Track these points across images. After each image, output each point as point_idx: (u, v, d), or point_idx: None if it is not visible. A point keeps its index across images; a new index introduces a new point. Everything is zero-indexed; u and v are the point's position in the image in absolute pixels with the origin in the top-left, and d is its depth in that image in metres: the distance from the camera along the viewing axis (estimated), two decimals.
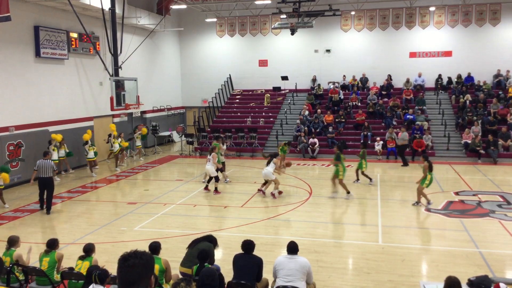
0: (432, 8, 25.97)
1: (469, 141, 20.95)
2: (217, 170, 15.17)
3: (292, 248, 6.72)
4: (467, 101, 23.77)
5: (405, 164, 19.71)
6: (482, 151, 20.41)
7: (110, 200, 14.69)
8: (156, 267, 6.59)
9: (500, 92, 24.23)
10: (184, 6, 25.34)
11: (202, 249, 6.73)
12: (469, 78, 25.64)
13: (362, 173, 16.04)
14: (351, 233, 11.06)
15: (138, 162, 21.86)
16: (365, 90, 26.72)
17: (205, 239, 7.37)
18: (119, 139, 20.45)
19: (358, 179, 16.31)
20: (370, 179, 16.00)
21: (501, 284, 6.32)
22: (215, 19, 28.44)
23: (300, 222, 11.87)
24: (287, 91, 28.06)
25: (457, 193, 14.58)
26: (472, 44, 25.88)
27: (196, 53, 30.25)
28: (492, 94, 24.26)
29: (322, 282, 7.88)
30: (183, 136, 25.29)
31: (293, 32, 21.00)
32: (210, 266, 6.47)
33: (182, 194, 14.99)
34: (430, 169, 12.79)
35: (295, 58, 28.47)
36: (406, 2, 25.28)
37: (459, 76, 25.83)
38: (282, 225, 11.67)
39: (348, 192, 14.12)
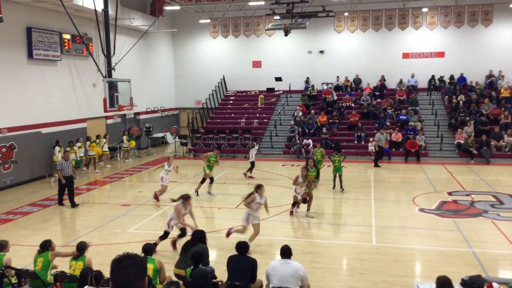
0: (424, 9, 26.11)
1: (462, 141, 21.07)
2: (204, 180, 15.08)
3: (286, 252, 6.65)
4: (460, 102, 23.90)
5: (376, 165, 19.63)
6: (475, 151, 20.53)
7: (104, 202, 14.63)
8: (150, 266, 6.57)
9: (493, 93, 24.39)
10: (177, 7, 25.31)
11: (196, 250, 6.72)
12: (462, 78, 25.79)
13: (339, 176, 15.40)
14: (345, 234, 11.08)
15: (127, 164, 21.68)
16: (359, 91, 26.80)
17: (197, 240, 7.34)
18: (103, 140, 20.48)
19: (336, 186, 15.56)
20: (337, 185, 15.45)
21: (494, 284, 6.36)
22: (208, 20, 28.43)
23: (293, 223, 11.87)
24: (281, 92, 28.09)
25: (450, 193, 14.65)
26: (465, 45, 26.04)
27: (190, 54, 30.22)
28: (484, 94, 24.41)
29: (316, 283, 7.89)
30: (177, 137, 25.25)
31: (286, 33, 21.02)
32: (204, 267, 6.46)
33: (175, 196, 14.90)
34: None
35: (288, 59, 28.52)
36: (399, 3, 25.39)
37: (451, 77, 25.98)
38: (276, 226, 11.67)
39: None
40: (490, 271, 8.44)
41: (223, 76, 29.41)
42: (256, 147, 18.33)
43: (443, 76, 26.19)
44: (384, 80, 26.74)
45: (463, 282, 6.39)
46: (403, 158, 20.88)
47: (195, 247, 7.05)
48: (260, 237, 10.62)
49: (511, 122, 21.84)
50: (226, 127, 25.22)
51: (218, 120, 26.79)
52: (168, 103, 29.63)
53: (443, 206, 13.19)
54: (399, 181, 17.32)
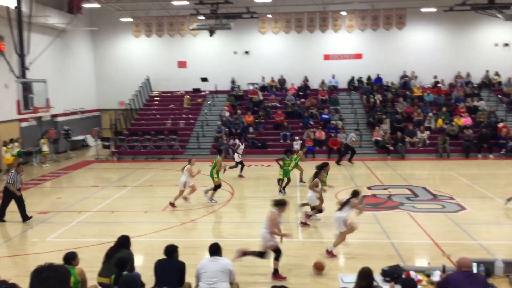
0: (343, 13, 27.22)
1: (380, 138, 22.24)
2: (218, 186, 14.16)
3: (215, 250, 6.73)
4: (377, 101, 25.22)
5: (338, 163, 20.25)
6: (391, 148, 21.76)
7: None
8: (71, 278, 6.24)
9: (407, 92, 25.99)
10: (97, 5, 24.33)
11: (120, 256, 6.49)
12: (378, 79, 27.22)
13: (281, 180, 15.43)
14: None
15: (44, 169, 20.46)
16: (283, 91, 27.38)
17: (121, 246, 7.10)
18: (15, 144, 19.25)
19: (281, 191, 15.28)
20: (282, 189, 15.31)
21: (411, 272, 6.75)
22: (130, 19, 27.61)
23: (222, 223, 11.88)
24: (207, 92, 27.98)
25: (369, 188, 15.40)
26: (381, 47, 27.50)
27: (112, 54, 29.18)
28: (399, 94, 25.94)
29: (245, 282, 7.95)
30: (99, 140, 24.27)
31: (211, 33, 21.02)
32: (129, 273, 6.25)
33: (98, 201, 14.37)
34: None
35: (214, 59, 28.47)
36: (320, 7, 26.26)
37: (369, 78, 27.33)
38: (204, 228, 11.61)
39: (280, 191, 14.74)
40: (408, 260, 8.97)
41: (148, 77, 28.73)
42: (242, 146, 18.38)
43: (362, 77, 27.49)
44: (307, 80, 27.55)
45: (383, 272, 6.73)
46: (326, 156, 21.60)
47: (119, 253, 6.81)
48: (188, 239, 10.51)
49: (423, 119, 23.40)
50: (152, 128, 24.65)
51: (143, 122, 26.13)
52: (89, 104, 28.39)
53: (363, 200, 13.81)
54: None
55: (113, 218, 12.47)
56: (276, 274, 8.29)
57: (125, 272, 6.19)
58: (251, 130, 23.37)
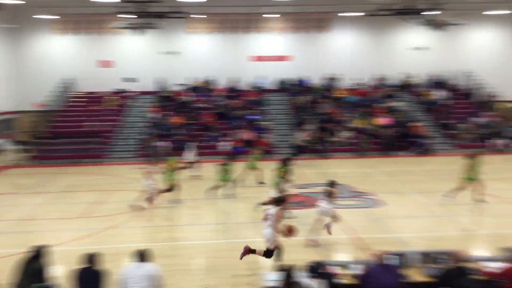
0: (272, 15, 27.64)
1: (307, 139, 22.85)
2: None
3: (140, 255, 6.57)
4: (304, 102, 25.90)
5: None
6: (317, 147, 22.44)
7: None
8: None
9: (331, 93, 26.92)
10: (19, 2, 22.71)
11: (34, 268, 6.14)
12: (305, 80, 27.96)
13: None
14: (200, 234, 11.19)
15: None
16: (212, 92, 27.30)
17: (36, 256, 6.71)
18: None
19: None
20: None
21: (334, 267, 7.02)
22: (53, 17, 26.13)
23: (148, 228, 11.62)
24: (134, 93, 27.21)
25: (295, 187, 15.75)
26: (308, 50, 28.27)
27: (29, 52, 27.48)
28: (324, 95, 26.80)
29: (171, 285, 7.83)
30: (15, 143, 22.76)
31: (138, 32, 20.46)
32: (44, 285, 5.93)
33: (14, 209, 13.50)
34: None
35: (141, 59, 27.75)
36: (248, 8, 26.45)
37: (296, 79, 27.98)
38: (128, 233, 11.29)
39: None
40: (331, 255, 9.29)
41: (69, 76, 27.39)
42: (195, 147, 18.29)
43: (289, 78, 28.08)
44: (236, 81, 27.68)
45: (308, 268, 6.94)
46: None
47: (34, 264, 6.43)
48: (111, 245, 10.18)
49: (346, 119, 24.37)
50: (73, 131, 23.57)
51: (64, 123, 24.89)
52: (3, 105, 26.55)
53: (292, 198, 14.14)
54: (251, 178, 18.05)
55: (30, 227, 11.78)
56: (251, 251, 8.28)
57: (40, 284, 5.86)
58: (179, 131, 23.06)
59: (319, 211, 10.12)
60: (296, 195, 14.59)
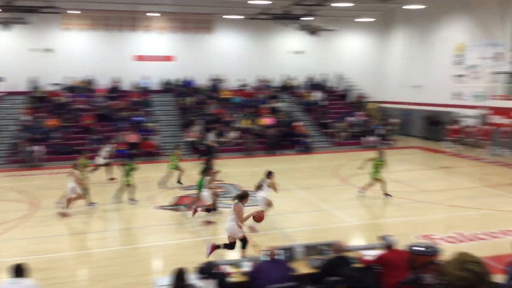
0: (153, 14, 27.07)
1: (193, 139, 22.81)
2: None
3: (16, 271, 6.02)
4: (190, 103, 25.81)
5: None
6: (203, 148, 22.48)
7: None
8: None
9: (217, 94, 27.19)
10: None
11: None
12: (190, 81, 27.86)
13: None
14: (85, 243, 10.60)
15: None
16: (92, 92, 25.90)
17: None
18: None
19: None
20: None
21: (224, 266, 7.10)
22: None
23: (24, 240, 10.66)
24: (2, 93, 24.72)
25: (183, 188, 15.64)
26: (191, 50, 28.19)
27: None
28: (210, 96, 26.97)
29: None
30: None
31: (5, 28, 18.65)
32: None
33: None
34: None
35: (10, 57, 25.32)
36: (129, 6, 25.60)
37: (181, 80, 27.75)
38: (4, 246, 10.25)
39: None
40: (221, 255, 9.37)
41: None
42: (108, 148, 17.77)
43: (174, 79, 27.74)
44: (118, 81, 26.61)
45: (199, 269, 6.92)
46: (141, 159, 21.15)
47: None
48: None
49: (232, 120, 24.80)
50: None
51: None
52: None
53: (178, 200, 14.00)
54: (138, 181, 17.49)
55: None
56: (217, 247, 8.69)
57: None
58: (55, 134, 21.49)
59: (260, 200, 11.07)
60: (186, 196, 14.49)
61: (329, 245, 7.58)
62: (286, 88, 29.13)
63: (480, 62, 23.60)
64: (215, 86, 27.95)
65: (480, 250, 9.29)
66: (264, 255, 6.96)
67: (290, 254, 7.44)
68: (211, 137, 21.79)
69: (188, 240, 10.45)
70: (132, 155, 16.61)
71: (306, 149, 23.64)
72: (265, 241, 9.90)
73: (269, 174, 11.47)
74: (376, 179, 13.78)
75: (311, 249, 7.67)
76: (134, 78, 26.75)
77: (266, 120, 25.00)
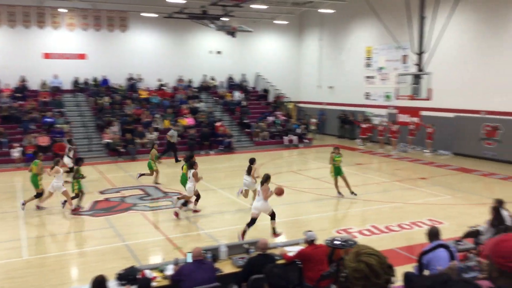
0: (63, 10, 25.62)
1: (110, 141, 21.94)
2: None
3: None
4: (106, 103, 24.78)
5: (177, 160, 20.46)
6: (122, 150, 21.74)
7: None
8: None
9: (134, 94, 26.38)
10: None
11: None
12: (105, 80, 26.77)
13: None
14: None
15: None
16: None
17: None
18: None
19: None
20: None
21: (146, 271, 6.88)
22: None
23: None
24: None
25: (102, 192, 15.00)
26: (106, 48, 27.04)
27: None
28: (127, 96, 26.10)
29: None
30: None
31: None
32: None
33: None
34: None
35: None
36: (36, 1, 24.02)
37: (95, 79, 26.56)
38: None
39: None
40: (143, 259, 9.11)
41: None
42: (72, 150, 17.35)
43: (87, 78, 26.48)
44: (25, 81, 24.87)
45: (118, 276, 6.65)
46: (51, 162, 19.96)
47: None
48: None
49: (151, 120, 24.20)
50: None
51: None
52: None
53: (96, 205, 13.40)
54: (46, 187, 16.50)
55: None
56: (275, 233, 10.27)
57: None
58: None
59: (245, 183, 12.45)
60: (103, 201, 13.90)
61: (252, 243, 7.65)
62: (206, 88, 29.02)
63: (387, 64, 25.19)
64: (132, 86, 27.11)
65: (393, 241, 9.92)
66: (188, 256, 6.86)
67: (214, 254, 7.40)
68: (175, 134, 21.51)
69: (105, 246, 10.01)
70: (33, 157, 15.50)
71: (228, 149, 23.71)
72: (188, 242, 9.79)
73: (253, 161, 12.75)
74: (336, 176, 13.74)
75: (236, 249, 7.69)
76: (43, 76, 25.13)
77: (187, 121, 24.71)
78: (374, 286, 2.28)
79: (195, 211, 12.39)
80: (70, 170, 15.88)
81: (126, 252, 9.59)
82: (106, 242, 10.21)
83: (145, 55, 27.82)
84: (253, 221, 10.01)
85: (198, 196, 12.31)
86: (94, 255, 9.44)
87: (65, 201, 12.67)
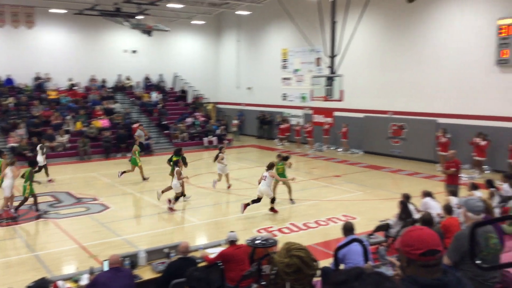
0: None
1: (16, 145, 20.48)
2: None
3: None
4: (10, 104, 23.09)
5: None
6: (29, 154, 20.31)
7: None
8: None
9: (42, 95, 24.81)
10: None
11: None
12: (10, 80, 24.92)
13: None
14: None
15: None
16: None
17: None
18: None
19: None
20: None
21: (59, 282, 6.50)
22: None
23: None
24: None
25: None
26: (10, 46, 25.16)
27: None
28: (34, 96, 24.49)
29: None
30: None
31: None
32: None
33: None
34: None
35: None
36: None
37: None
38: None
39: None
40: (55, 270, 8.60)
41: None
42: (45, 149, 17.11)
43: None
44: None
45: None
46: None
47: None
48: None
49: (62, 122, 22.92)
50: None
51: None
52: None
53: (1, 215, 12.41)
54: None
55: None
56: (273, 209, 12.10)
57: None
58: None
59: (220, 167, 14.29)
60: (8, 210, 12.90)
61: (172, 247, 7.52)
62: (122, 89, 28.07)
63: (302, 66, 26.03)
64: (40, 86, 25.49)
65: (311, 238, 10.26)
66: (105, 264, 6.59)
67: (133, 261, 7.18)
68: (142, 134, 21.58)
69: (13, 257, 9.33)
70: None
71: (146, 151, 23.10)
72: (105, 250, 9.40)
73: (221, 149, 14.46)
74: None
75: (155, 253, 7.52)
76: None
77: (101, 122, 23.71)
78: (306, 277, 2.47)
79: (171, 209, 12.45)
80: (39, 169, 16.12)
81: (36, 263, 9.00)
82: (14, 254, 9.53)
83: (54, 53, 26.26)
84: (258, 199, 11.85)
85: (181, 195, 12.81)
86: (1, 268, 8.75)
87: None
